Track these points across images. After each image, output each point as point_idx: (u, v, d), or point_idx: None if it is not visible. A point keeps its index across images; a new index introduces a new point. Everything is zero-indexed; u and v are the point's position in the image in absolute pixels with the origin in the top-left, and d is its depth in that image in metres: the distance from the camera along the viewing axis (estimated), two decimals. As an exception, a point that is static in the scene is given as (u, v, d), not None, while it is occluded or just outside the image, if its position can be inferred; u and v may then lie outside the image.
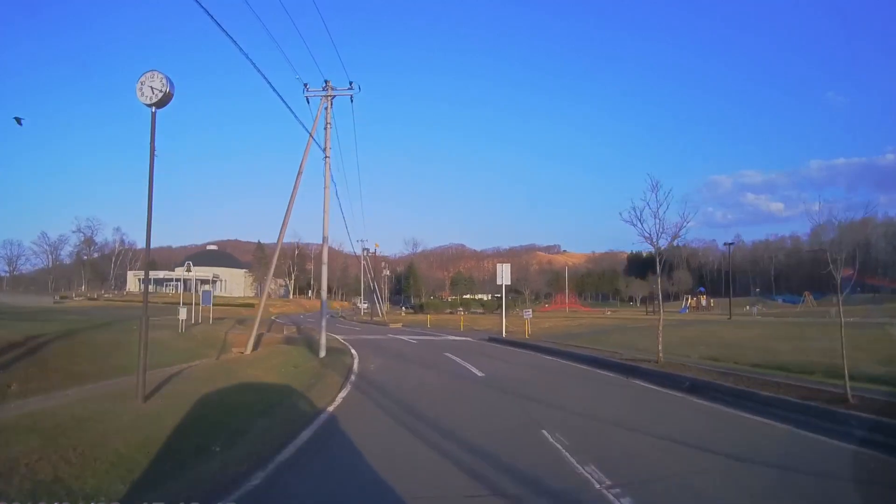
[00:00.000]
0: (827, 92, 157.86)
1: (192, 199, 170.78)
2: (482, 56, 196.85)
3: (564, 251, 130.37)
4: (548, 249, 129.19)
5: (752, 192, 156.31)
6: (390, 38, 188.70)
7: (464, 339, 24.27)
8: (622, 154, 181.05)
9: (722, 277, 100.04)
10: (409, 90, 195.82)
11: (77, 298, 65.76)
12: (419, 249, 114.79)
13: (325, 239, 17.49)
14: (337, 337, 23.98)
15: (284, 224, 18.08)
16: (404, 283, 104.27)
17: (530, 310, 28.59)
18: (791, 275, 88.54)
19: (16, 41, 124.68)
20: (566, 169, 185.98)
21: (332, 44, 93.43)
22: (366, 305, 63.72)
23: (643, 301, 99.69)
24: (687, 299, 73.37)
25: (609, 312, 64.10)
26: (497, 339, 22.82)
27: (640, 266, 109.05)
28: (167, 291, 79.62)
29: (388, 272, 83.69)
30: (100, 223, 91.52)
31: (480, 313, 65.44)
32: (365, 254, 40.66)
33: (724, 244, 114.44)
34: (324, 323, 16.81)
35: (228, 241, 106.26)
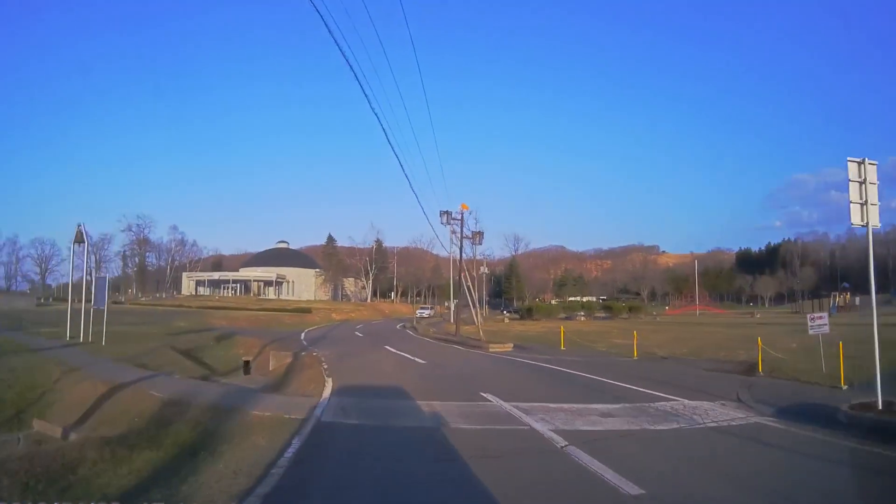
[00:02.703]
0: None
1: (303, 203, 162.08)
2: (574, 66, 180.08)
3: (664, 251, 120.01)
4: (647, 250, 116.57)
5: (837, 189, 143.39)
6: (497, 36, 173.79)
7: (737, 420, 6.48)
8: (712, 153, 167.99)
9: (838, 273, 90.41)
10: (506, 99, 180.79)
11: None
12: (521, 248, 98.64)
13: None
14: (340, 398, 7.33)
15: None
16: (504, 285, 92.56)
17: (824, 316, 10.06)
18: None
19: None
20: (662, 168, 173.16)
21: None
22: (425, 312, 46.81)
23: (773, 300, 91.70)
24: (835, 297, 58.65)
25: (758, 315, 55.32)
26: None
27: (750, 263, 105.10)
28: (223, 294, 70.28)
29: (486, 269, 66.40)
30: (152, 221, 78.64)
31: (604, 318, 51.10)
32: (446, 220, 23.55)
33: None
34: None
35: (318, 245, 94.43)
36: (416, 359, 14.00)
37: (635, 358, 15.53)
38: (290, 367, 13.61)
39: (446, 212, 24.02)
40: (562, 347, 19.07)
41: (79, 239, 15.26)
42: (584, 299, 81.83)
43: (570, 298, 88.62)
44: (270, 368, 14.59)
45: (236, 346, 18.29)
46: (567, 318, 49.49)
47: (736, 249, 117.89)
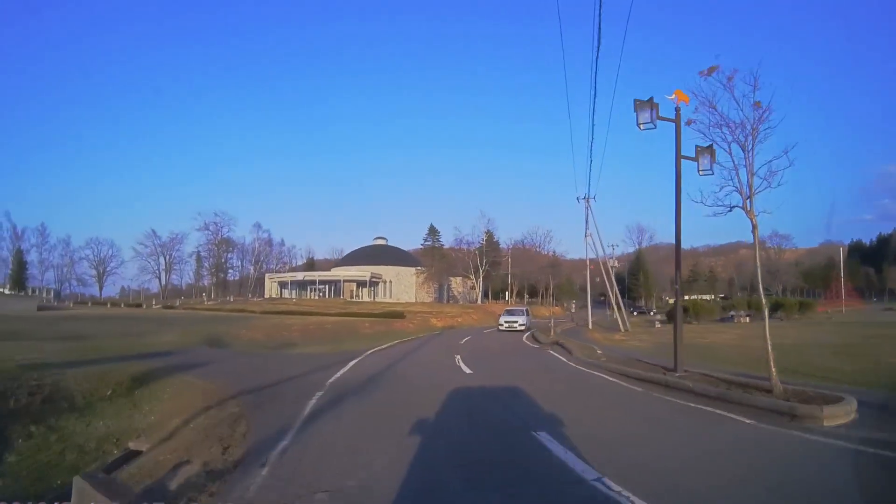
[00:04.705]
0: None
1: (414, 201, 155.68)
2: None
3: (770, 247, 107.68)
4: (752, 246, 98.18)
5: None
6: None
7: None
8: (808, 142, 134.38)
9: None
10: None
11: (156, 307, 51.56)
12: (645, 241, 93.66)
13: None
14: None
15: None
16: (630, 282, 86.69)
17: None
18: None
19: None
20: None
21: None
22: (518, 321, 30.52)
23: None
24: None
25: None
26: None
27: (863, 255, 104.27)
28: (310, 296, 63.53)
29: (615, 263, 53.26)
30: (232, 219, 72.85)
31: (779, 317, 38.64)
32: (650, 117, 8.29)
33: None
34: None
35: (421, 248, 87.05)
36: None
37: None
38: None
39: (648, 101, 9.70)
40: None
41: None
42: (714, 297, 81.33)
43: (696, 297, 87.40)
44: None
45: (160, 401, 8.19)
46: (722, 320, 41.73)
47: (842, 242, 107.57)
